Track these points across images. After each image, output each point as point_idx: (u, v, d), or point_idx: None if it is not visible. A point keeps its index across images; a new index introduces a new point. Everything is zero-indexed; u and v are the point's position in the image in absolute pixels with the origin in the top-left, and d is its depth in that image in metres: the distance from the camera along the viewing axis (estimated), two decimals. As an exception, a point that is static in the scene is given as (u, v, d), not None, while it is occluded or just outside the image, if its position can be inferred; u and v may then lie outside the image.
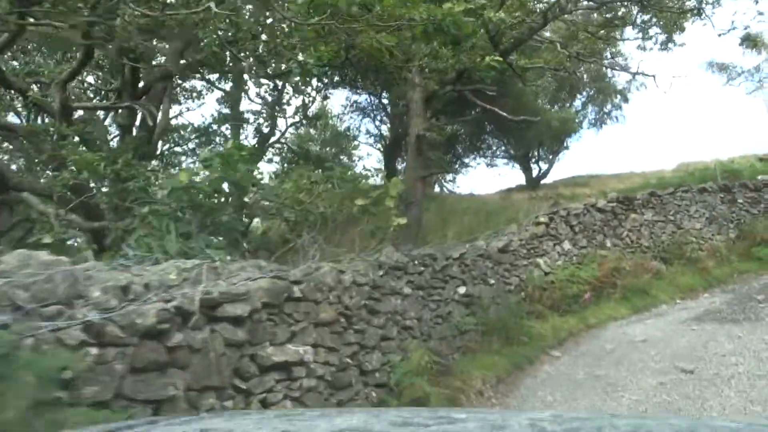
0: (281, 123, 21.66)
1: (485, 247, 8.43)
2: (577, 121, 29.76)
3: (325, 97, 25.05)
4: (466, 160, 31.82)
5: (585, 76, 30.22)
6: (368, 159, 42.05)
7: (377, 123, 23.53)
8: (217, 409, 3.30)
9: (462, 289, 7.42)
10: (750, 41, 13.10)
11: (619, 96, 30.24)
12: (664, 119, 53.72)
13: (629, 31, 14.29)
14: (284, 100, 22.30)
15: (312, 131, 32.04)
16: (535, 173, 30.23)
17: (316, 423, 1.00)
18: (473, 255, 8.06)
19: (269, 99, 21.69)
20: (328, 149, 33.66)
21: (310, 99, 24.31)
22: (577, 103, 30.85)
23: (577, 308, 8.83)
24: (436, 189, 32.06)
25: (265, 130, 23.70)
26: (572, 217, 10.38)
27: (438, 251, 7.36)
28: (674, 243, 11.94)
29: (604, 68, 18.94)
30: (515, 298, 8.41)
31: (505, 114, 15.28)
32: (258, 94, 20.28)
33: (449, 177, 33.80)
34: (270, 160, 21.26)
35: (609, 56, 16.10)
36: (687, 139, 51.07)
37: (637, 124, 54.78)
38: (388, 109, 22.77)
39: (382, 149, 23.79)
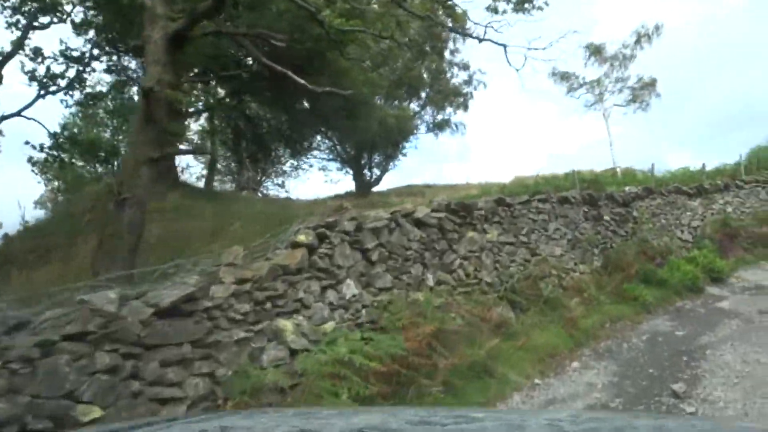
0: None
1: (114, 310, 3.25)
2: (414, 122, 26.40)
3: (109, 70, 18.49)
4: (297, 162, 26.93)
5: (425, 73, 27.10)
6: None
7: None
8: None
9: None
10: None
11: (459, 99, 27.55)
12: (502, 129, 53.86)
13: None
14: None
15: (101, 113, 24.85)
16: (370, 180, 26.30)
17: (333, 421, 0.96)
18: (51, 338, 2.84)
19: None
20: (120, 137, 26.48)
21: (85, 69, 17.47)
22: (414, 105, 27.66)
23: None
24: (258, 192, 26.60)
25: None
26: (367, 235, 5.63)
27: None
28: (528, 277, 7.87)
29: (440, 29, 14.98)
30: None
31: (300, 79, 10.42)
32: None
33: (278, 180, 28.48)
34: None
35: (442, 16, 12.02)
36: (525, 152, 51.40)
37: (476, 135, 54.30)
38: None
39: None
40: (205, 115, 16.25)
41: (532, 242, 8.28)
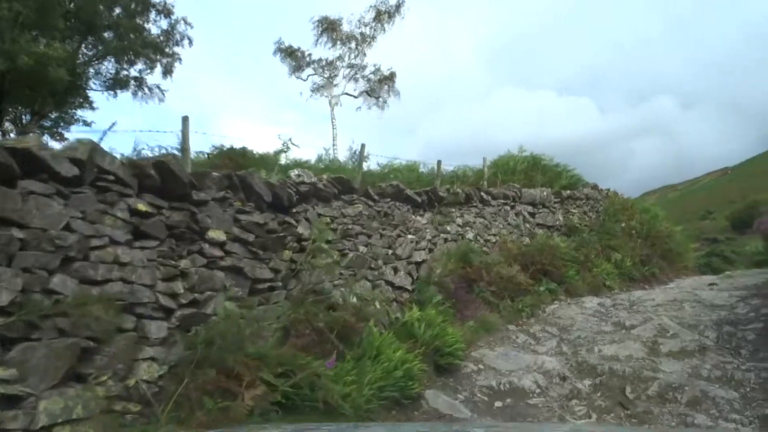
0: None
1: None
2: (73, 69, 17.82)
3: None
4: None
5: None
6: None
7: None
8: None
9: None
10: None
11: (157, 56, 19.82)
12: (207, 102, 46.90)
13: None
14: None
15: None
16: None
17: None
18: None
19: None
20: None
21: None
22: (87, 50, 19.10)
23: None
24: None
25: None
26: None
27: None
28: None
29: None
30: None
31: None
32: None
33: None
34: None
35: None
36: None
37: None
38: None
39: None
40: None
41: None
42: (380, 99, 21.51)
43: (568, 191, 10.77)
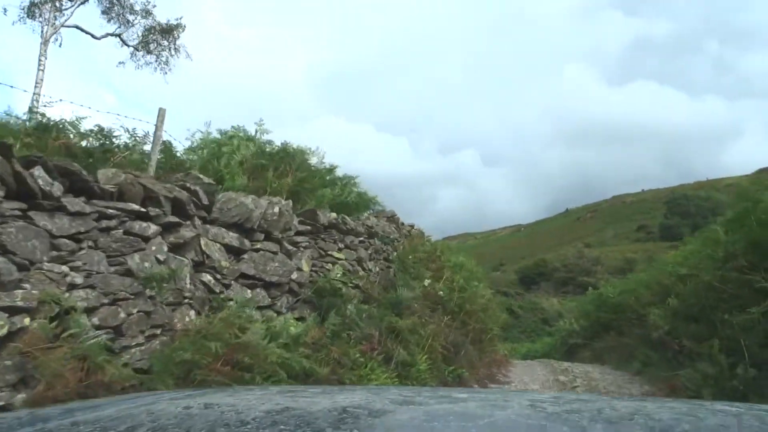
0: None
1: None
2: None
3: None
4: None
5: None
6: None
7: None
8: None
9: None
10: None
11: None
12: None
13: None
14: None
15: None
16: None
17: (317, 400, 0.96)
18: None
19: None
20: None
21: None
22: None
23: None
24: None
25: None
26: None
27: None
28: None
29: None
30: None
31: None
32: None
33: None
34: None
35: None
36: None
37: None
38: None
39: None
40: None
41: None
42: (161, 57, 14.70)
43: (334, 215, 5.48)
